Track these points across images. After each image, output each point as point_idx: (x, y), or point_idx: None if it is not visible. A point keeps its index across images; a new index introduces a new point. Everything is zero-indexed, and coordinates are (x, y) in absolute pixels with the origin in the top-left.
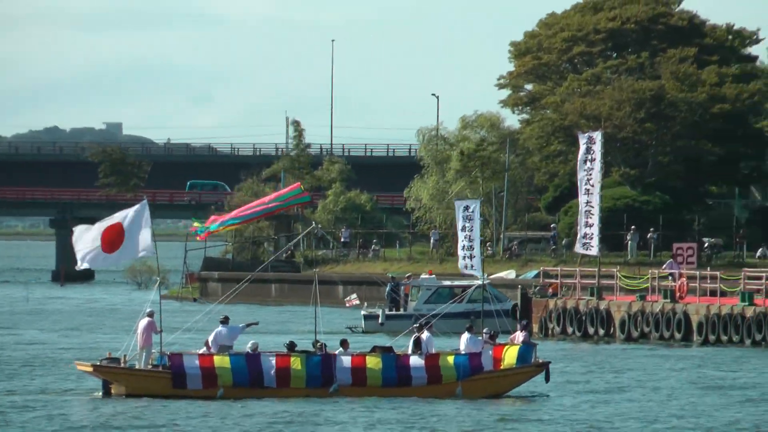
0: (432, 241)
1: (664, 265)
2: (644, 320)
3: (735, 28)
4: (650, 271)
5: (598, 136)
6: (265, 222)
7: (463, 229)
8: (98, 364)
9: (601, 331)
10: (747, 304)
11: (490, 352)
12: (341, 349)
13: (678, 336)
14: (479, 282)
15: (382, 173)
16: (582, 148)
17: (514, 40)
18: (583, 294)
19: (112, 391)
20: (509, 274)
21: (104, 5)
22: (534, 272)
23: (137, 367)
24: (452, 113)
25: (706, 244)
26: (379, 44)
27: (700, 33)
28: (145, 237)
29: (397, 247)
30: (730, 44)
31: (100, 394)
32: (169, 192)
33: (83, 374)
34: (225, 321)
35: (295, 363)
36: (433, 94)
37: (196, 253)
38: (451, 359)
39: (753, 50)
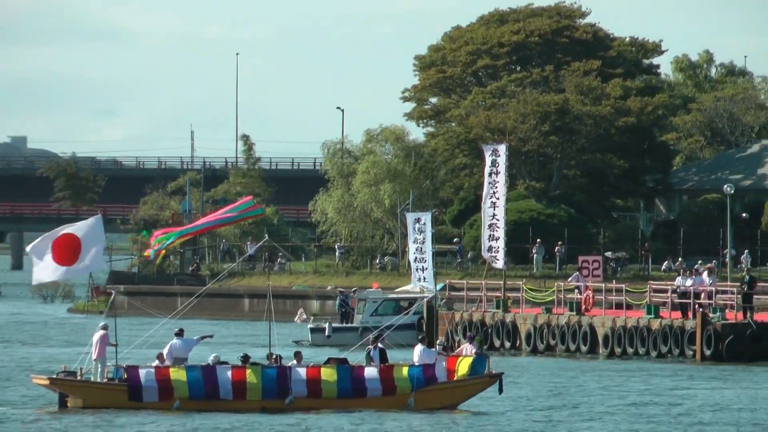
0: (337, 254)
1: (570, 278)
2: (550, 333)
3: (638, 40)
4: (556, 283)
5: (502, 149)
6: None
7: (415, 241)
8: (55, 377)
9: (507, 344)
10: (653, 316)
11: (444, 363)
12: (295, 361)
13: (584, 348)
14: (426, 294)
15: (287, 186)
16: (487, 161)
17: (419, 54)
18: (489, 307)
19: (69, 403)
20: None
21: (8, 18)
22: (440, 285)
23: (93, 380)
24: (357, 127)
25: (611, 258)
26: (284, 59)
27: (604, 46)
28: (99, 251)
29: (303, 260)
30: (633, 56)
31: (57, 407)
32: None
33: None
34: (180, 333)
35: (251, 375)
36: (338, 108)
37: None
38: (405, 371)
39: (656, 61)
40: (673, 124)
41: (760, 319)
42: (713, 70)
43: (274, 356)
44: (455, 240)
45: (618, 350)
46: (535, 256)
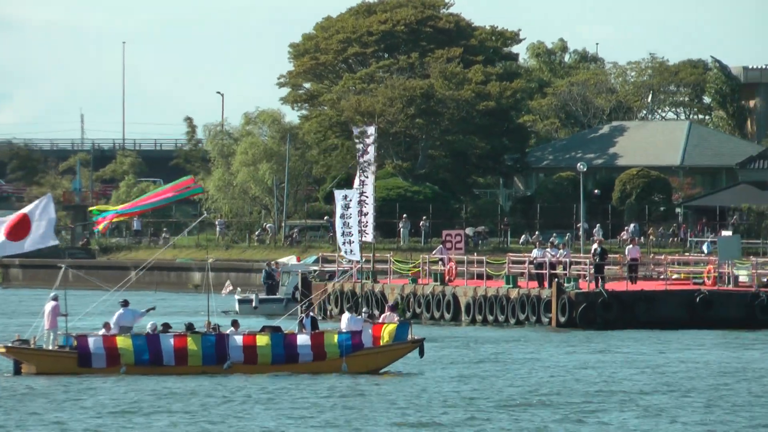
0: (218, 228)
1: (434, 251)
2: (416, 301)
3: (498, 29)
4: (421, 256)
5: (371, 130)
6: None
7: (342, 216)
8: (10, 345)
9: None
10: (511, 286)
11: (370, 330)
12: (232, 329)
13: (447, 316)
14: (349, 265)
15: (172, 166)
16: (357, 142)
17: (293, 42)
18: (359, 278)
19: (23, 370)
20: (290, 259)
21: None
22: (313, 257)
23: (45, 347)
24: (236, 110)
25: (471, 233)
26: (168, 46)
27: (466, 34)
28: (49, 227)
29: (186, 235)
30: (493, 44)
31: (12, 373)
32: None
33: None
34: (125, 304)
35: (192, 343)
36: (218, 92)
37: None
38: (334, 337)
39: (514, 49)
40: (530, 107)
41: (611, 288)
42: (567, 57)
43: (212, 325)
44: (325, 218)
45: (479, 318)
46: (401, 230)
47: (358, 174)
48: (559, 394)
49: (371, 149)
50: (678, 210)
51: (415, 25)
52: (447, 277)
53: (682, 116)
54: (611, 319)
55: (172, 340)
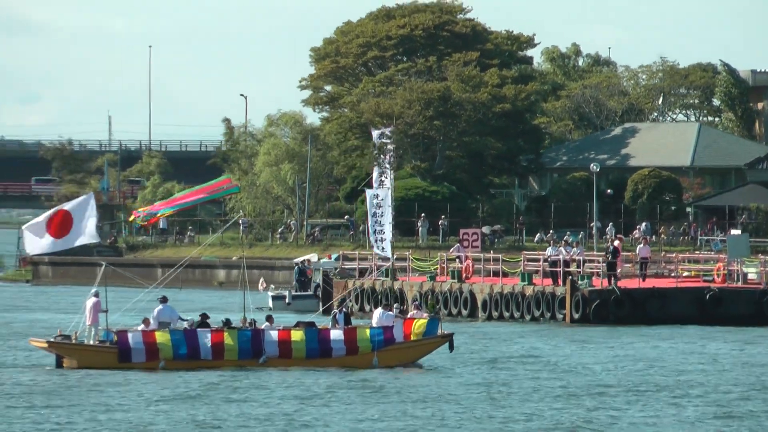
0: (241, 227)
1: (452, 249)
2: (434, 298)
3: (513, 33)
4: (439, 254)
5: (390, 132)
6: None
7: (374, 215)
8: (52, 340)
9: (396, 309)
10: (526, 283)
11: (401, 325)
12: (267, 324)
13: (465, 313)
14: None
15: (196, 166)
16: (376, 143)
17: (314, 46)
18: (379, 275)
19: (64, 364)
20: (312, 257)
21: None
22: (334, 256)
23: (86, 342)
24: (259, 112)
25: (487, 232)
26: (192, 50)
27: (482, 39)
28: (90, 224)
29: (210, 233)
30: (509, 48)
31: (54, 366)
32: (3, 184)
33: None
34: (164, 300)
35: (228, 338)
36: (242, 95)
37: None
38: (367, 332)
39: (529, 53)
40: (545, 109)
41: (623, 286)
42: (581, 61)
43: (248, 320)
44: (346, 217)
45: (495, 314)
46: (420, 229)
47: (377, 174)
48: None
49: (390, 150)
50: (688, 209)
51: (433, 29)
52: (464, 275)
53: (692, 118)
54: (623, 316)
55: (209, 335)
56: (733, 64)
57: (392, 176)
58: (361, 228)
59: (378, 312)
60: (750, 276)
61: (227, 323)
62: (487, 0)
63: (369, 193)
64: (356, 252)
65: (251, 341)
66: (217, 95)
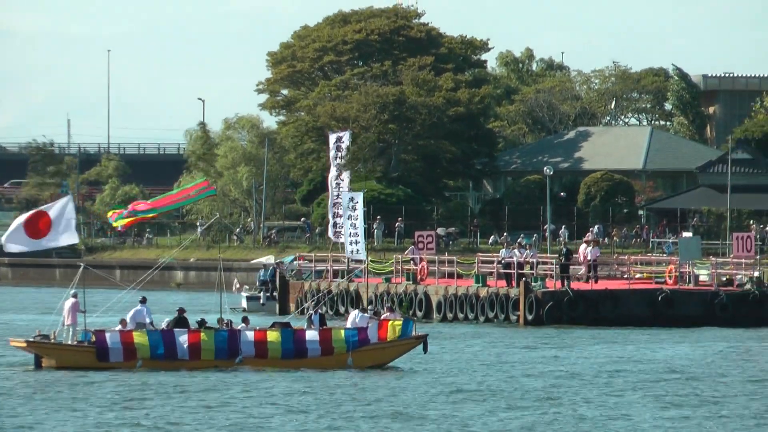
0: (199, 229)
1: (407, 251)
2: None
3: (468, 38)
4: (395, 256)
5: (346, 135)
6: None
7: (349, 217)
8: (31, 340)
9: (351, 310)
10: (481, 285)
11: (376, 326)
12: (243, 325)
13: (420, 314)
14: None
15: (155, 169)
16: (332, 146)
17: (271, 50)
18: (334, 277)
19: (43, 364)
20: (269, 259)
21: None
22: (291, 257)
23: (65, 342)
24: (216, 115)
25: (442, 233)
26: (151, 54)
27: (437, 43)
28: (70, 226)
29: (168, 235)
30: (463, 53)
31: (33, 366)
32: None
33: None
34: (143, 301)
35: (205, 338)
36: (199, 98)
37: None
38: (341, 333)
39: (483, 57)
40: (499, 113)
41: (576, 287)
42: (534, 65)
43: (224, 321)
44: (302, 219)
45: (450, 315)
46: (375, 231)
47: (332, 177)
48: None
49: (345, 153)
50: (640, 212)
51: (388, 34)
52: (419, 277)
53: (645, 122)
54: (577, 317)
55: (186, 336)
56: (685, 69)
57: (348, 179)
58: (317, 230)
59: (353, 314)
60: (701, 278)
61: (202, 323)
62: (442, 5)
63: (344, 195)
64: (312, 254)
65: (227, 341)
66: (174, 99)
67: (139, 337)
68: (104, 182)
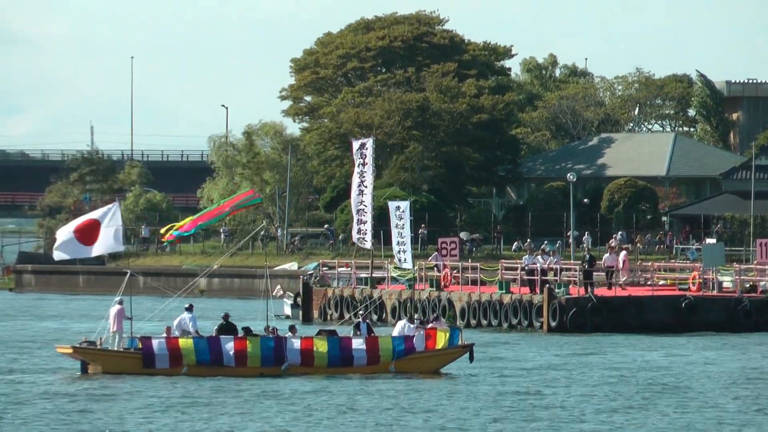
0: (222, 236)
1: (430, 258)
2: (413, 306)
3: (491, 45)
4: (418, 262)
5: (370, 142)
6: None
7: (396, 226)
8: (77, 346)
9: (375, 317)
10: (504, 291)
11: (422, 335)
12: (290, 333)
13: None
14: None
15: (178, 176)
16: (355, 153)
17: (295, 57)
18: (358, 284)
19: (89, 370)
20: (292, 265)
21: None
22: (314, 264)
23: (111, 349)
24: (239, 122)
25: (466, 240)
26: (174, 61)
27: (460, 50)
28: (118, 233)
29: (191, 242)
30: (486, 59)
31: (79, 373)
32: None
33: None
34: (190, 308)
35: (251, 345)
36: (223, 105)
37: (10, 248)
38: (388, 341)
39: (507, 64)
40: (522, 119)
41: (600, 294)
42: (557, 71)
43: (270, 328)
44: (326, 226)
45: (473, 322)
46: None
47: (356, 184)
48: None
49: (369, 160)
50: (664, 218)
51: (412, 41)
52: (442, 283)
53: (668, 128)
54: (600, 324)
55: (231, 343)
56: (709, 75)
57: (372, 185)
58: (340, 237)
59: (401, 323)
60: (725, 284)
61: (248, 331)
62: (466, 11)
63: (391, 204)
64: (335, 261)
65: (274, 349)
66: (198, 105)
67: (185, 344)
68: (128, 189)
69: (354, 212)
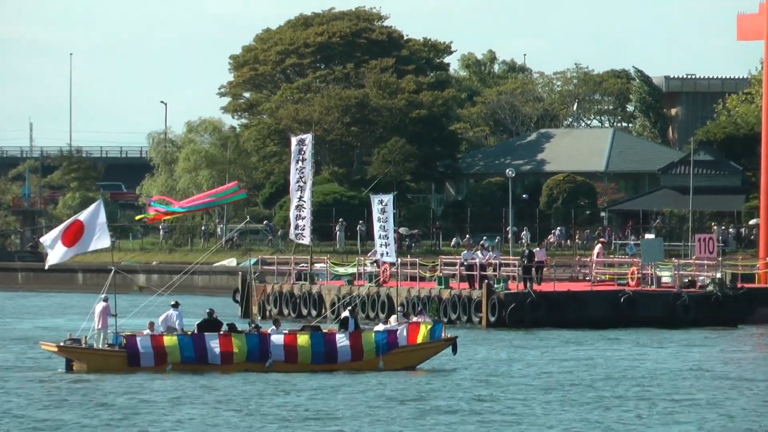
0: (161, 233)
1: (369, 253)
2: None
3: (430, 41)
4: (357, 258)
5: (309, 138)
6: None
7: (379, 220)
8: (62, 344)
9: (314, 312)
10: (443, 287)
11: (405, 329)
12: (274, 327)
13: (382, 316)
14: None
15: (117, 173)
16: (294, 149)
17: (233, 54)
18: (297, 279)
19: (74, 367)
20: (231, 262)
21: None
22: (253, 260)
23: (96, 346)
24: (179, 119)
25: (404, 235)
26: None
27: (399, 46)
28: (103, 230)
29: (130, 239)
30: (426, 55)
31: (63, 370)
32: None
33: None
34: (176, 305)
35: (236, 341)
36: (162, 102)
37: None
38: (371, 337)
39: (446, 60)
40: (461, 115)
41: (539, 289)
42: (496, 67)
43: (254, 324)
44: (265, 222)
45: (382, 315)
46: (338, 233)
47: (295, 180)
48: None
49: (308, 156)
50: (603, 214)
51: (350, 37)
52: (381, 279)
53: (607, 124)
54: (539, 319)
55: (217, 340)
56: (647, 71)
57: (311, 181)
58: (279, 233)
59: (393, 318)
60: (664, 279)
61: (232, 328)
62: (405, 8)
63: (374, 198)
64: (274, 257)
65: (258, 345)
66: (137, 102)
67: (170, 341)
68: (66, 186)
69: (293, 208)
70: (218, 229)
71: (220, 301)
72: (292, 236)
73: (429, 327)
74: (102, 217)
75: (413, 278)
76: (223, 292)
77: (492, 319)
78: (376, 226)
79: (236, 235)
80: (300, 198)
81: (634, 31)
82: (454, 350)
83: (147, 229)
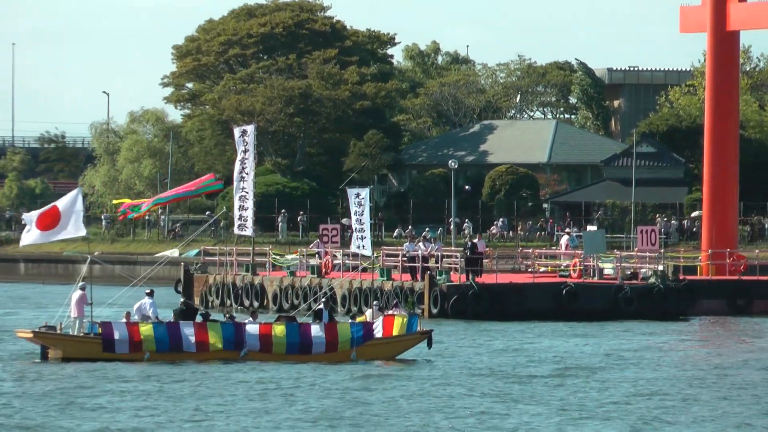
0: (104, 223)
1: (312, 245)
2: (294, 293)
3: (374, 32)
4: (299, 249)
5: (251, 129)
6: None
7: (355, 213)
8: (37, 331)
9: (256, 304)
10: (385, 278)
11: (381, 321)
12: (251, 318)
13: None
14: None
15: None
16: (237, 140)
17: (176, 44)
18: (239, 270)
19: (50, 355)
20: (173, 252)
21: None
22: (195, 251)
23: (71, 333)
24: (121, 109)
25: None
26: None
27: (342, 37)
28: (78, 219)
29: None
30: (369, 47)
31: (39, 358)
32: None
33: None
34: (151, 294)
35: (211, 331)
36: (104, 92)
37: None
38: (347, 328)
39: (390, 51)
40: (404, 106)
41: (481, 281)
42: (440, 59)
43: (229, 315)
44: (207, 213)
45: (354, 309)
46: (280, 224)
47: (237, 171)
48: None
49: (251, 147)
50: (545, 205)
51: (293, 27)
52: (324, 270)
53: (549, 116)
54: (482, 311)
55: (192, 329)
56: (590, 63)
57: (253, 172)
58: (222, 224)
59: (369, 312)
60: (606, 271)
61: (206, 317)
62: None
63: (350, 191)
64: (216, 247)
65: (234, 334)
66: (79, 92)
67: (145, 330)
68: (8, 176)
69: (236, 199)
70: (160, 220)
71: (162, 292)
72: (235, 228)
73: (404, 320)
74: (79, 206)
75: (355, 269)
76: (165, 282)
77: (434, 311)
78: (353, 218)
79: (179, 225)
80: (243, 189)
81: (577, 23)
82: (429, 344)
83: (89, 220)
